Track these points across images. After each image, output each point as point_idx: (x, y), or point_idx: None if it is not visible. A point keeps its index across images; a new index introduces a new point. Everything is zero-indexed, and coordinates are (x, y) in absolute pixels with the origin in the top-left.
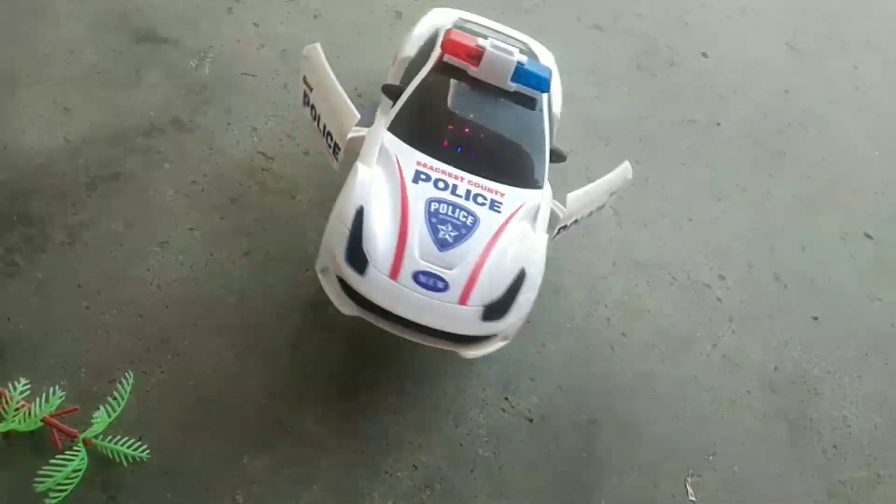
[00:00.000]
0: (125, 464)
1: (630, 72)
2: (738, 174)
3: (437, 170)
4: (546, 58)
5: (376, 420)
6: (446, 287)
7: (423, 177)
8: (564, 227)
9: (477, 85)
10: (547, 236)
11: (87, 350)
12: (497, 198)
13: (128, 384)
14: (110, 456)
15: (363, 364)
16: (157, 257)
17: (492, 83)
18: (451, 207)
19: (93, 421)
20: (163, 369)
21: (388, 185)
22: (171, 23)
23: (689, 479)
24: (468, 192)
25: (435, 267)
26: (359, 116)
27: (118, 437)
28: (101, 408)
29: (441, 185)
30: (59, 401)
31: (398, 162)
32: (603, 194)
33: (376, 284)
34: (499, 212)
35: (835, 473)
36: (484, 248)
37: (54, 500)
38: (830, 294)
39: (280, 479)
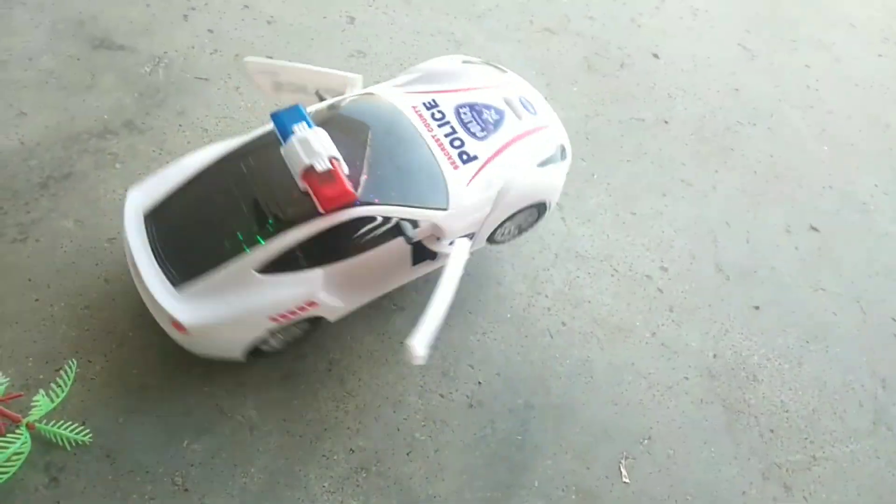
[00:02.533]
0: (68, 447)
1: (580, 72)
2: (684, 170)
3: None
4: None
5: (315, 406)
6: None
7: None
8: None
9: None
10: None
11: (35, 340)
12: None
13: (71, 371)
14: (54, 440)
15: (304, 352)
16: (106, 253)
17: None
18: None
19: (33, 404)
20: (107, 358)
21: None
22: (127, 30)
23: (623, 461)
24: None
25: None
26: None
27: (62, 421)
28: (42, 391)
29: None
30: (4, 387)
31: None
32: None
33: None
34: None
35: (771, 456)
36: None
37: None
38: (773, 284)
39: (219, 462)
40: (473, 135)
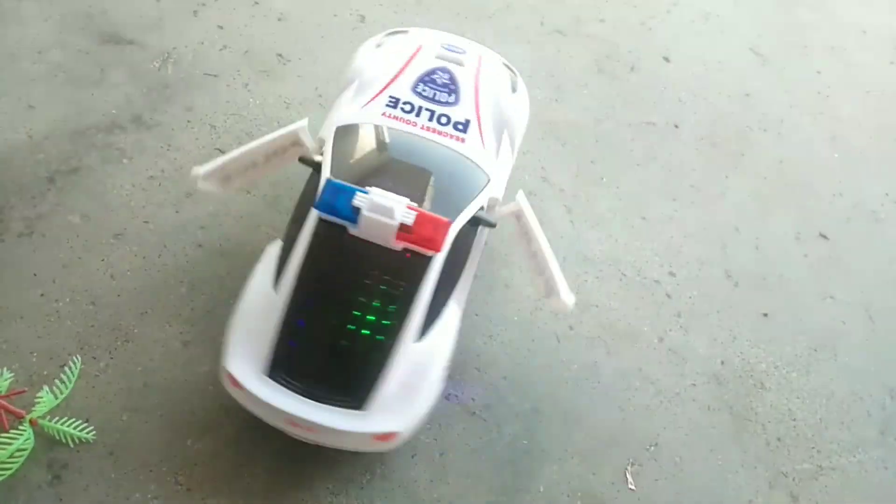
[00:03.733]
0: (71, 444)
1: (590, 75)
2: (694, 175)
3: None
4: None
5: None
6: None
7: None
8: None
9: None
10: None
11: (39, 335)
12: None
13: (76, 368)
14: (57, 436)
15: None
16: (112, 248)
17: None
18: None
19: (36, 401)
20: (112, 355)
21: None
22: (136, 25)
23: (629, 468)
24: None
25: None
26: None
27: (65, 418)
28: (46, 388)
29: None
30: (7, 382)
31: None
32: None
33: None
34: None
35: (778, 465)
36: None
37: None
38: (782, 292)
39: (222, 462)
40: (447, 103)
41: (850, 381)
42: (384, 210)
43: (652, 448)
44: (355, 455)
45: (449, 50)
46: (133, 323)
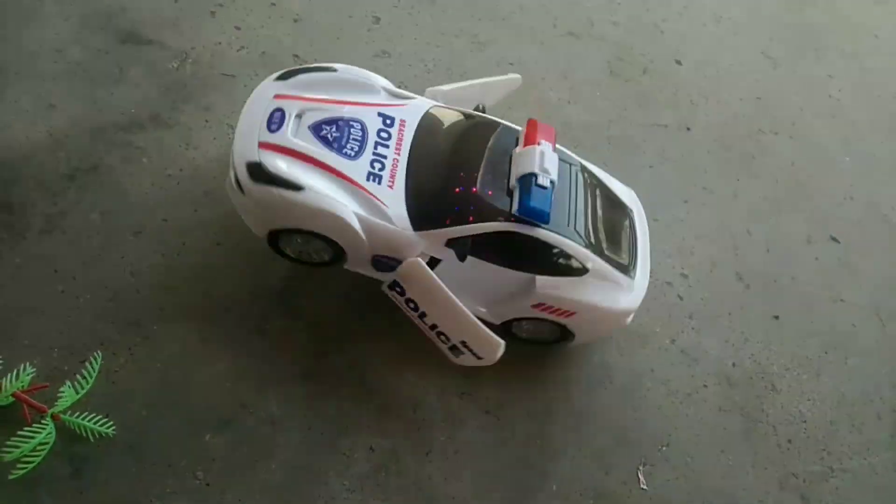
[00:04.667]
0: (91, 439)
1: (603, 77)
2: (706, 177)
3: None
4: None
5: (337, 404)
6: None
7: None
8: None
9: None
10: None
11: (60, 331)
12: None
13: (96, 363)
14: (78, 431)
15: (326, 350)
16: (132, 245)
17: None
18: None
19: (59, 396)
20: (132, 351)
21: None
22: (155, 25)
23: (641, 467)
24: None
25: None
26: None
27: (86, 413)
28: (68, 383)
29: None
30: (30, 377)
31: None
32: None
33: None
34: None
35: (788, 466)
36: None
37: (21, 471)
38: (793, 294)
39: (240, 456)
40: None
41: (861, 384)
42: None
43: (664, 448)
44: (372, 451)
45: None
46: (152, 319)
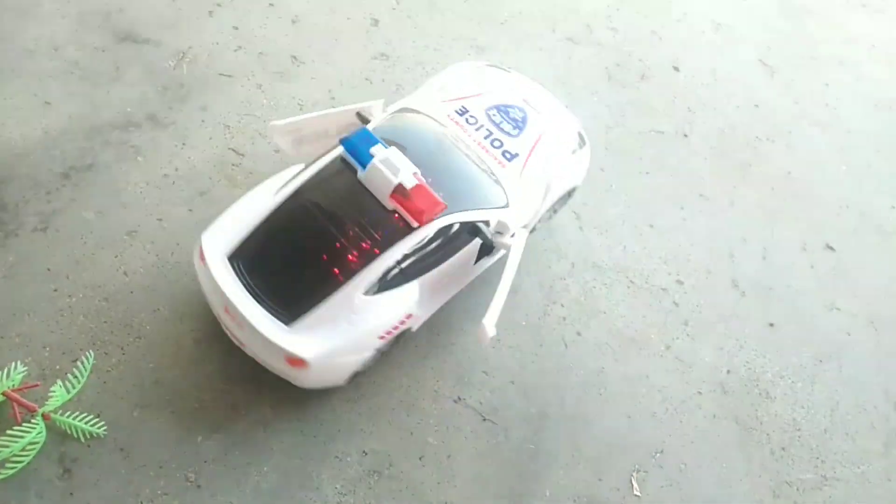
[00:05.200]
0: (82, 439)
1: (601, 83)
2: (703, 184)
3: None
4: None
5: (330, 407)
6: None
7: None
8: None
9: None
10: None
11: (52, 330)
12: None
13: (88, 363)
14: (68, 431)
15: None
16: (126, 245)
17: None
18: None
19: (49, 395)
20: (124, 351)
21: None
22: (152, 24)
23: (634, 474)
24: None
25: None
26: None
27: (77, 412)
28: (59, 383)
29: None
30: (21, 376)
31: None
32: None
33: None
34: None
35: (782, 474)
36: None
37: (10, 471)
38: (788, 302)
39: (232, 459)
40: (508, 133)
41: (855, 393)
42: (391, 167)
43: (658, 455)
44: (364, 455)
45: (535, 98)
46: (145, 320)
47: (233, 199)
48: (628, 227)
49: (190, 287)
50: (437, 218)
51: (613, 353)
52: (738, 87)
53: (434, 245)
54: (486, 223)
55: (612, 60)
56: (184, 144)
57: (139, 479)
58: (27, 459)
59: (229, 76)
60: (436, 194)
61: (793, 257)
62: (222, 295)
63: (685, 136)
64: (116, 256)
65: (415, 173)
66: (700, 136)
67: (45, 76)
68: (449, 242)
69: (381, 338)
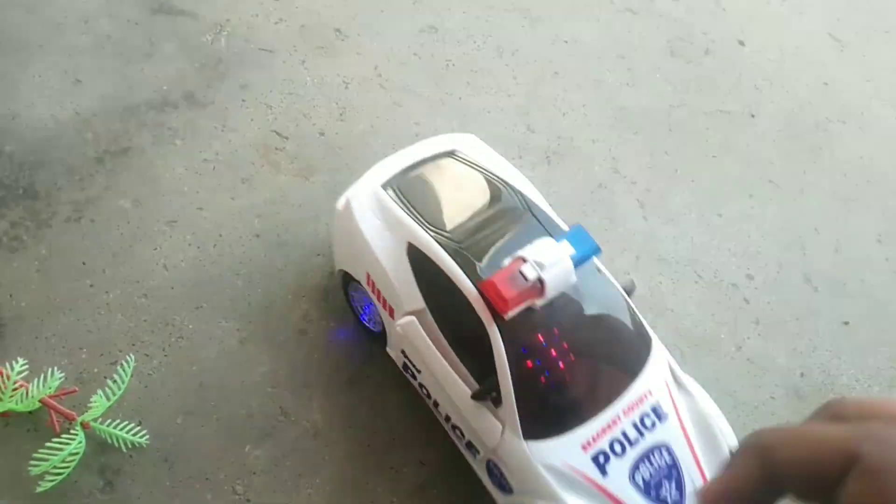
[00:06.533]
0: (124, 449)
1: (663, 58)
2: (772, 168)
3: (597, 438)
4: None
5: (384, 414)
6: None
7: (601, 459)
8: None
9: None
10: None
11: (89, 330)
12: (651, 401)
13: (129, 367)
14: (109, 440)
15: (373, 355)
16: (165, 237)
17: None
18: (647, 461)
19: (90, 405)
20: (166, 352)
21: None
22: None
23: None
24: (634, 424)
25: None
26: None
27: (117, 420)
28: (100, 391)
29: (617, 447)
30: (58, 382)
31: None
32: None
33: None
34: (665, 414)
35: None
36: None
37: (50, 484)
38: (863, 299)
39: (282, 470)
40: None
41: None
42: (556, 262)
43: None
44: (422, 465)
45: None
46: (187, 318)
47: (278, 187)
48: (695, 216)
49: (234, 282)
50: None
51: (682, 355)
52: (806, 64)
53: None
54: None
55: (675, 33)
56: (224, 126)
57: (185, 492)
58: (67, 471)
59: (270, 51)
60: None
61: (867, 250)
62: None
63: (752, 116)
64: (155, 249)
65: None
66: (768, 117)
67: (75, 52)
68: None
69: None
